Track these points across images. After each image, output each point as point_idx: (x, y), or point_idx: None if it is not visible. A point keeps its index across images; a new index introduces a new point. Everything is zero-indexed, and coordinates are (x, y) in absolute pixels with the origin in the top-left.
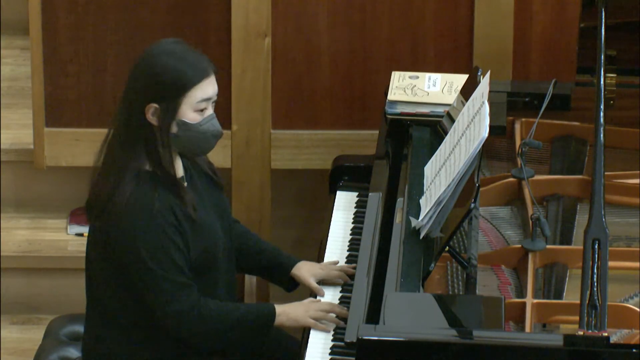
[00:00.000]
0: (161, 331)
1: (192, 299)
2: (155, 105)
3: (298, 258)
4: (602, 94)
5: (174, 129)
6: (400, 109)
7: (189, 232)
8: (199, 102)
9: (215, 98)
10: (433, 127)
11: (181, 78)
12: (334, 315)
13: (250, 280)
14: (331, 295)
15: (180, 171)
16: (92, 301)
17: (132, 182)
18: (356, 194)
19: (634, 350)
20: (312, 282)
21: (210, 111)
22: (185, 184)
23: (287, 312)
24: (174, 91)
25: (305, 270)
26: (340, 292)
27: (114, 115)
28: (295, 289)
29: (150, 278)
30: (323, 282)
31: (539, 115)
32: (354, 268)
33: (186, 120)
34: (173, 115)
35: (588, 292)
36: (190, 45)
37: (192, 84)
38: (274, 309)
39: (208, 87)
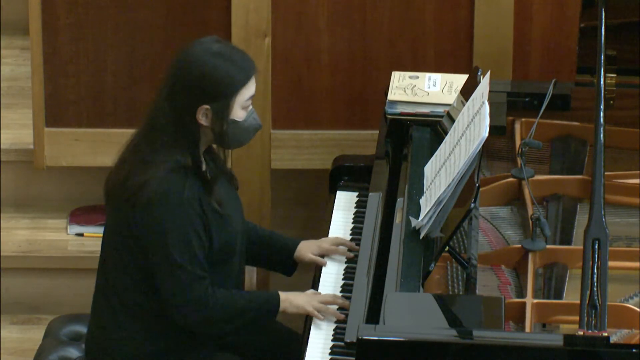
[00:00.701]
0: (170, 322)
1: (202, 290)
2: (207, 106)
3: (296, 239)
4: (602, 94)
5: (224, 127)
6: (400, 109)
7: (214, 224)
8: (247, 100)
9: None
10: (433, 127)
11: (232, 79)
12: (335, 307)
13: (250, 278)
14: (331, 293)
15: (204, 166)
16: (102, 289)
17: (166, 171)
18: (356, 194)
19: (634, 350)
20: (312, 256)
21: (251, 106)
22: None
23: (290, 299)
24: (226, 93)
25: (303, 250)
26: (341, 292)
27: (153, 108)
28: (294, 272)
29: (169, 265)
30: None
31: (539, 115)
32: (355, 263)
33: (235, 119)
34: (225, 115)
35: (588, 292)
36: (229, 43)
37: (242, 84)
38: (279, 295)
39: (252, 86)
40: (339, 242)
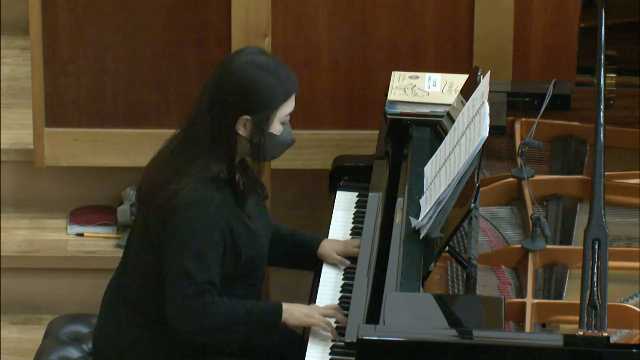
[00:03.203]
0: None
1: (202, 301)
2: (248, 117)
3: (319, 237)
4: (602, 94)
5: (261, 139)
6: (400, 109)
7: (244, 239)
8: (286, 115)
9: None
10: (433, 127)
11: (276, 93)
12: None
13: None
14: (331, 295)
15: (237, 176)
16: (119, 290)
17: (198, 180)
18: (356, 194)
19: (634, 350)
20: (336, 257)
21: (288, 121)
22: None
23: (292, 310)
24: (268, 106)
25: (327, 249)
26: (340, 292)
27: (192, 115)
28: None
29: (178, 272)
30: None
31: (539, 115)
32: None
33: (273, 132)
34: (265, 128)
35: (588, 292)
36: (274, 56)
37: (284, 99)
38: (281, 305)
39: (293, 102)
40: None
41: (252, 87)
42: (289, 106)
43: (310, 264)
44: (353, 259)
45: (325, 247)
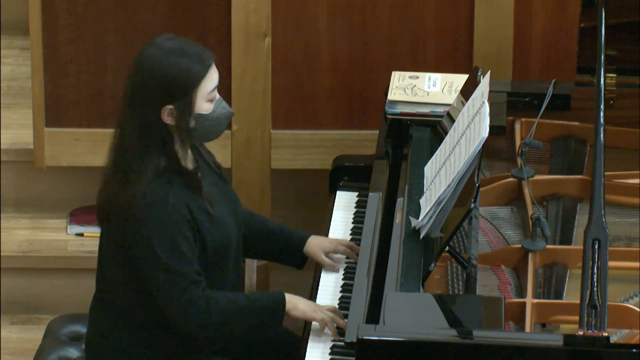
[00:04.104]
0: (170, 329)
1: (199, 293)
2: (171, 106)
3: (306, 233)
4: (602, 94)
5: (192, 123)
6: (400, 109)
7: (206, 226)
8: (209, 92)
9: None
10: (433, 127)
11: (191, 74)
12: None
13: (250, 278)
14: (331, 295)
15: (192, 163)
16: (101, 299)
17: (148, 181)
18: (356, 194)
19: (634, 350)
20: (323, 257)
21: (217, 95)
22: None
23: (296, 302)
24: (186, 89)
25: (314, 246)
26: (340, 292)
27: (120, 118)
28: (304, 265)
29: (162, 272)
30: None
31: (539, 115)
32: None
33: (202, 112)
34: (190, 111)
35: (588, 292)
36: (183, 37)
37: (201, 77)
38: (284, 295)
39: (214, 75)
40: (352, 247)
41: (165, 75)
42: (209, 82)
43: (298, 261)
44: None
45: (312, 245)
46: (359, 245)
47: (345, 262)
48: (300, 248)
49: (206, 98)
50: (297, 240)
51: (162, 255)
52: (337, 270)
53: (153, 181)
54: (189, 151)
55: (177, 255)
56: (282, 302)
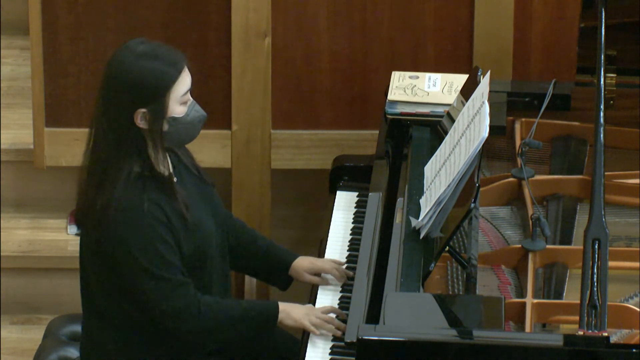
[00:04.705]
0: (159, 332)
1: (189, 297)
2: (143, 110)
3: (293, 254)
4: (602, 94)
5: (165, 126)
6: (400, 109)
7: (181, 230)
8: (182, 95)
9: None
10: (433, 127)
11: (162, 78)
12: (333, 323)
13: (250, 281)
14: (331, 295)
15: (169, 168)
16: (88, 305)
17: (122, 186)
18: (356, 194)
19: (634, 350)
20: (308, 277)
21: (190, 99)
22: (175, 179)
23: (289, 310)
24: (158, 92)
25: (297, 269)
26: (340, 292)
27: (93, 121)
28: (289, 287)
29: (146, 278)
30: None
31: (539, 115)
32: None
33: (175, 116)
34: (163, 115)
35: (588, 292)
36: (154, 40)
37: (173, 80)
38: (277, 305)
39: (186, 78)
40: (334, 264)
41: (137, 79)
42: (182, 85)
43: (283, 282)
44: (354, 258)
45: (295, 268)
46: (358, 244)
47: (345, 262)
48: (286, 269)
49: (179, 101)
50: (284, 260)
51: (142, 261)
52: (320, 283)
53: (127, 186)
54: (163, 155)
55: (159, 260)
56: (275, 312)
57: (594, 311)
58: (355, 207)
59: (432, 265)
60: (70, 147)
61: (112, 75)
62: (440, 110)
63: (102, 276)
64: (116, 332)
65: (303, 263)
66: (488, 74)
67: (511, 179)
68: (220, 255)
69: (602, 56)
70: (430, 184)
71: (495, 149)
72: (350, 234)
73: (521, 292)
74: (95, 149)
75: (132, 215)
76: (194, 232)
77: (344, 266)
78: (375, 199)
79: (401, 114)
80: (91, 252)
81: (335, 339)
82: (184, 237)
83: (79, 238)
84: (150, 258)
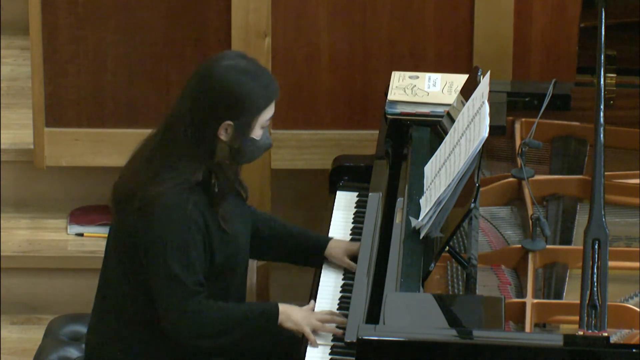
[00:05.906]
0: (164, 332)
1: (196, 304)
2: (230, 122)
3: (325, 237)
4: (602, 94)
5: (242, 144)
6: (400, 109)
7: (218, 239)
8: (267, 120)
9: None
10: (433, 127)
11: (259, 99)
12: (333, 325)
13: (250, 278)
14: (331, 295)
15: (223, 181)
16: (103, 297)
17: (173, 184)
18: (356, 194)
19: (634, 350)
20: (347, 261)
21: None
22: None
23: (288, 313)
24: (251, 111)
25: (337, 249)
26: (340, 292)
27: (173, 117)
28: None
29: (166, 277)
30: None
31: (539, 115)
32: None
33: (254, 137)
34: (246, 133)
35: (588, 292)
36: (253, 61)
37: (266, 104)
38: (277, 307)
39: (274, 107)
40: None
41: (235, 93)
42: (270, 111)
43: (316, 262)
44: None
45: (334, 248)
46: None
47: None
48: (321, 251)
49: (262, 125)
50: (317, 243)
51: (168, 258)
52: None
53: (178, 187)
54: (226, 168)
55: (184, 262)
56: (275, 314)
57: (594, 311)
58: (355, 207)
59: (432, 265)
60: (70, 147)
61: (209, 82)
62: (440, 110)
63: (124, 268)
64: (128, 328)
65: (340, 245)
66: (488, 74)
67: (511, 179)
68: (244, 265)
69: (602, 56)
70: (430, 184)
71: (495, 149)
72: (350, 234)
73: (521, 292)
74: (169, 141)
75: (174, 214)
76: (229, 243)
77: None
78: (375, 199)
79: (401, 114)
80: (120, 241)
81: (335, 338)
82: (219, 246)
83: (79, 238)
84: (176, 257)
